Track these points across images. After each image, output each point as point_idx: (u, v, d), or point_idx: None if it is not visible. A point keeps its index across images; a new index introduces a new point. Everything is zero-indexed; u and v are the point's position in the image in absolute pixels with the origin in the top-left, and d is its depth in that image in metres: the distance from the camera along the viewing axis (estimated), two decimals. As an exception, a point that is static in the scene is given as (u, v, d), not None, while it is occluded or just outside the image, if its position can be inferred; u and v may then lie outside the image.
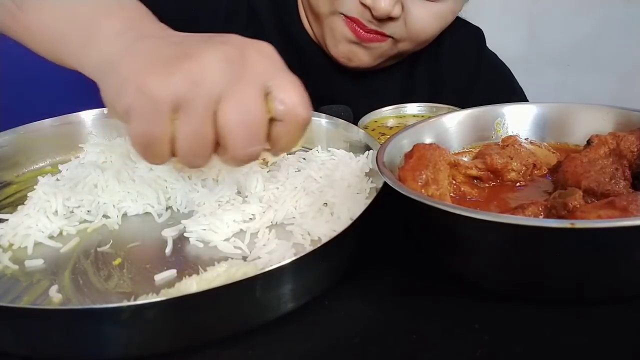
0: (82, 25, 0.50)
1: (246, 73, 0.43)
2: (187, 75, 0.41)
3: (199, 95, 0.41)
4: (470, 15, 1.00)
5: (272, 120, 0.45)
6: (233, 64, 0.43)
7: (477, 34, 0.99)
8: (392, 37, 0.82)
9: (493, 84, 0.98)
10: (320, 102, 0.86)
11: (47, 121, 0.72)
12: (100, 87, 0.46)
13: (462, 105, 0.80)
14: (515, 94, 1.00)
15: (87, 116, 0.74)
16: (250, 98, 0.43)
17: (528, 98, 1.00)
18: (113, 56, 0.45)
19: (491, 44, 1.01)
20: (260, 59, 0.44)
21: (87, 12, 0.51)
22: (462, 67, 0.96)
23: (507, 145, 0.58)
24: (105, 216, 0.58)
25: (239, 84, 0.42)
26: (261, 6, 0.89)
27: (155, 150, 0.44)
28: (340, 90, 0.92)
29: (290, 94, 0.44)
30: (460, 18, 1.00)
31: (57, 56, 0.54)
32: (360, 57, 0.84)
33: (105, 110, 0.75)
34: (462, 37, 0.97)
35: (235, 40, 0.45)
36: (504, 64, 1.02)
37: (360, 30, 0.80)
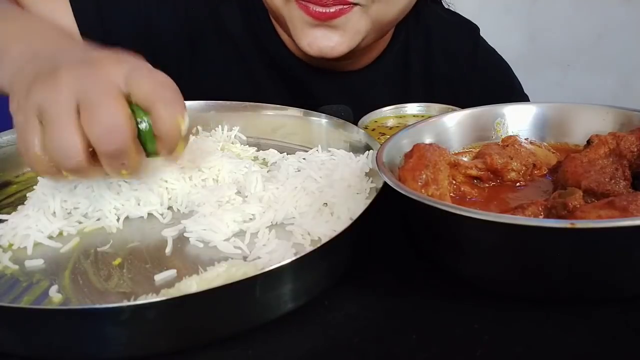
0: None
1: (100, 81, 0.47)
2: (44, 89, 0.47)
3: (53, 105, 0.47)
4: (471, 15, 1.00)
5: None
6: (87, 77, 0.47)
7: (469, 29, 0.97)
8: (357, 4, 0.73)
9: (490, 82, 0.97)
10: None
11: (47, 121, 0.72)
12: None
13: (460, 101, 0.79)
14: (514, 90, 0.99)
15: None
16: (105, 105, 0.47)
17: (528, 98, 1.00)
18: (11, 76, 0.54)
19: (491, 44, 1.01)
20: (115, 65, 0.49)
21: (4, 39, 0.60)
22: (456, 63, 0.94)
23: (507, 145, 0.58)
24: (106, 218, 0.58)
25: (94, 93, 0.47)
26: (236, 29, 0.87)
27: (30, 158, 0.49)
28: (327, 99, 0.87)
29: (144, 87, 0.48)
30: (453, 13, 0.99)
31: None
32: (333, 43, 0.75)
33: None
34: (453, 32, 0.95)
35: (99, 55, 0.51)
36: (502, 58, 1.00)
37: (316, 8, 0.72)
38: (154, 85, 0.49)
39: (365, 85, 0.90)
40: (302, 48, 0.78)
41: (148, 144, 0.51)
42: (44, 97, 0.47)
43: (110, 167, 0.49)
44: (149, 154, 0.52)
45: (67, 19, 0.79)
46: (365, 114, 0.77)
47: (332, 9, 0.72)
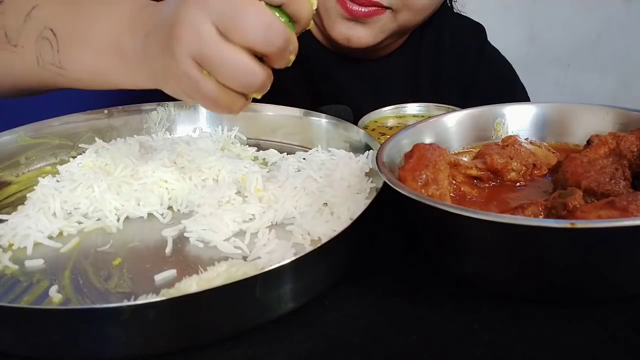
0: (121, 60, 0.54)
1: None
2: (180, 40, 0.46)
3: (203, 47, 0.46)
4: (472, 15, 1.01)
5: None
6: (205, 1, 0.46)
7: (478, 29, 1.00)
8: (389, 8, 0.81)
9: (495, 78, 0.99)
10: (323, 95, 0.86)
11: (48, 121, 0.72)
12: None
13: (465, 99, 0.82)
14: (517, 88, 1.01)
15: (88, 117, 0.74)
16: (248, 10, 0.45)
17: (529, 99, 1.01)
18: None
19: (492, 43, 1.01)
20: None
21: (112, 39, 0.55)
22: (464, 62, 0.97)
23: (507, 145, 0.58)
24: (106, 218, 0.58)
25: (228, 7, 0.46)
26: None
27: (222, 106, 0.50)
28: (344, 84, 0.92)
29: None
30: (460, 14, 1.01)
31: (106, 86, 0.58)
32: (360, 35, 0.83)
33: (105, 110, 0.75)
34: (462, 32, 0.98)
35: None
36: (505, 58, 1.02)
37: (353, 6, 0.80)
38: None
39: (380, 75, 0.95)
40: (332, 35, 0.85)
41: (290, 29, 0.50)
42: (188, 46, 0.46)
43: (281, 61, 0.49)
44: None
45: None
46: (377, 101, 0.80)
47: (367, 9, 0.80)
